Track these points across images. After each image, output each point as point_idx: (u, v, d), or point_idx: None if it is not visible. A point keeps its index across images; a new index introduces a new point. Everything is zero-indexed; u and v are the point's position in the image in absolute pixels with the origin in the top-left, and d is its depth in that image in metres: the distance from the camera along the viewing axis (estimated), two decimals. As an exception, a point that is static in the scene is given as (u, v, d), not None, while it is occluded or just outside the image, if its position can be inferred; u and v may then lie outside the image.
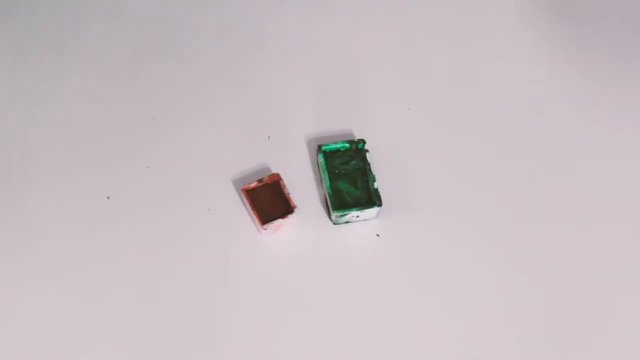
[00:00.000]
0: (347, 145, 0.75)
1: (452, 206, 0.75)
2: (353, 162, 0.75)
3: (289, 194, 0.72)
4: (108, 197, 0.76)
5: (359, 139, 0.75)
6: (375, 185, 0.72)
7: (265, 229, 0.71)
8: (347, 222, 0.74)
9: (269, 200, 0.72)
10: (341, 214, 0.71)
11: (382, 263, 0.72)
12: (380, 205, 0.71)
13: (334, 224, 0.74)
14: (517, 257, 0.72)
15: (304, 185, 0.76)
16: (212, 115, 0.81)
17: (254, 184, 0.73)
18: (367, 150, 0.75)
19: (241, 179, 0.77)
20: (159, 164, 0.78)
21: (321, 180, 0.76)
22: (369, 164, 0.74)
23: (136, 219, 0.74)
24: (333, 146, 0.75)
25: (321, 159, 0.74)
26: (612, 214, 0.75)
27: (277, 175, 0.73)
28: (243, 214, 0.75)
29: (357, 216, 0.72)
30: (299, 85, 0.83)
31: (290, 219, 0.71)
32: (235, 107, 0.82)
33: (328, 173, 0.74)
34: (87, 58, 0.85)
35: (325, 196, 0.75)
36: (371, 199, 0.72)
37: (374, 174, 0.73)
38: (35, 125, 0.80)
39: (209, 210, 0.75)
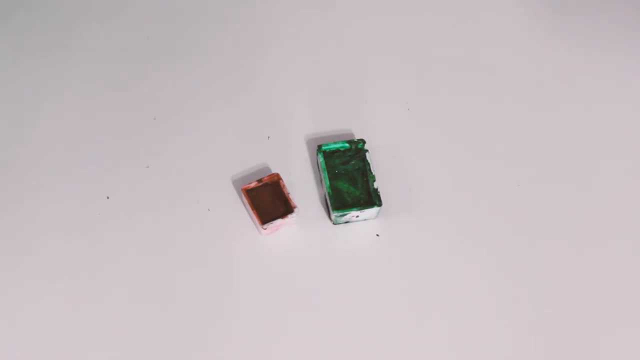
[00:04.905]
0: (347, 145, 0.75)
1: (452, 206, 0.75)
2: (353, 162, 0.75)
3: (289, 194, 0.72)
4: (108, 197, 0.76)
5: (359, 139, 0.75)
6: (375, 185, 0.72)
7: (265, 229, 0.71)
8: (347, 222, 0.74)
9: (269, 200, 0.72)
10: (341, 214, 0.71)
11: (382, 263, 0.72)
12: (380, 205, 0.71)
13: (334, 224, 0.74)
14: (517, 257, 0.72)
15: (304, 185, 0.76)
16: (212, 115, 0.81)
17: (254, 184, 0.73)
18: (366, 150, 0.75)
19: (241, 179, 0.77)
20: (159, 164, 0.78)
21: (321, 180, 0.76)
22: (368, 164, 0.74)
23: (136, 219, 0.74)
24: (333, 146, 0.75)
25: (321, 159, 0.74)
26: (612, 215, 0.75)
27: (277, 175, 0.73)
28: (243, 214, 0.75)
29: (357, 216, 0.72)
30: (299, 85, 0.83)
31: (290, 219, 0.71)
32: (235, 107, 0.82)
33: (328, 173, 0.74)
34: (87, 58, 0.85)
35: (325, 196, 0.75)
36: (371, 199, 0.72)
37: (373, 174, 0.73)
38: (35, 125, 0.80)
39: (209, 210, 0.75)
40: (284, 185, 0.72)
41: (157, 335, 0.68)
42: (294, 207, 0.71)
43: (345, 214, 0.71)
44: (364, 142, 0.75)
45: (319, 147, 0.74)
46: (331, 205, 0.72)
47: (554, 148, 0.79)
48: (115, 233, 0.73)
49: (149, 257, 0.72)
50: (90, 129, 0.80)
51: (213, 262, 0.72)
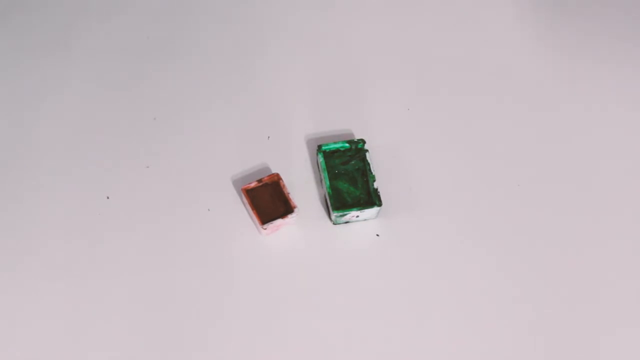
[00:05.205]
0: (347, 145, 0.75)
1: (452, 206, 0.75)
2: (353, 162, 0.75)
3: (289, 194, 0.72)
4: (108, 197, 0.76)
5: (359, 139, 0.75)
6: (375, 185, 0.72)
7: (265, 229, 0.71)
8: (347, 222, 0.74)
9: (269, 200, 0.72)
10: (341, 214, 0.71)
11: (382, 263, 0.72)
12: (380, 205, 0.71)
13: (334, 224, 0.74)
14: (517, 257, 0.72)
15: (304, 185, 0.76)
16: (212, 115, 0.81)
17: (254, 184, 0.73)
18: (366, 150, 0.75)
19: (241, 179, 0.77)
20: (159, 164, 0.78)
21: (321, 180, 0.76)
22: (368, 164, 0.74)
23: (136, 219, 0.74)
24: (333, 146, 0.75)
25: (321, 159, 0.74)
26: (612, 215, 0.75)
27: (277, 175, 0.73)
28: (243, 214, 0.75)
29: (357, 216, 0.72)
30: (299, 85, 0.83)
31: (290, 219, 0.71)
32: (235, 107, 0.82)
33: (328, 173, 0.74)
34: (87, 58, 0.85)
35: (325, 196, 0.75)
36: (371, 199, 0.72)
37: (373, 174, 0.73)
38: (35, 125, 0.80)
39: (209, 210, 0.75)
40: (284, 185, 0.72)
41: (157, 335, 0.68)
42: (294, 207, 0.71)
43: (345, 214, 0.71)
44: (364, 142, 0.75)
45: (319, 147, 0.74)
46: (331, 205, 0.72)
47: (554, 148, 0.79)
48: (115, 233, 0.73)
49: (149, 257, 0.72)
50: (90, 129, 0.80)
51: (213, 262, 0.72)
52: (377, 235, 0.74)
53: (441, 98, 0.82)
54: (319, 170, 0.76)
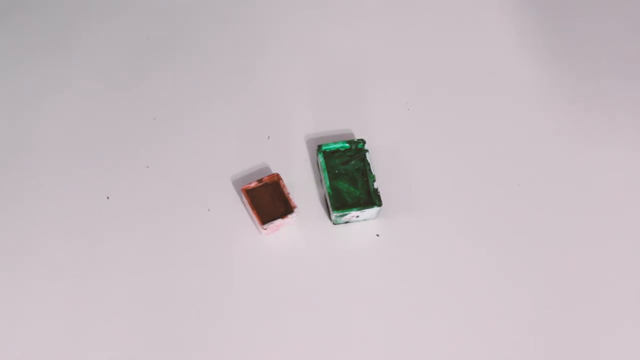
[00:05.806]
0: (347, 145, 0.75)
1: (452, 206, 0.75)
2: (353, 162, 0.75)
3: (289, 194, 0.72)
4: (108, 197, 0.76)
5: (359, 139, 0.75)
6: (375, 185, 0.72)
7: (265, 229, 0.71)
8: (347, 222, 0.74)
9: (269, 200, 0.72)
10: (341, 214, 0.71)
11: (382, 263, 0.72)
12: (380, 205, 0.71)
13: (334, 224, 0.74)
14: (517, 257, 0.72)
15: (304, 185, 0.76)
16: (212, 115, 0.81)
17: (254, 184, 0.73)
18: (366, 150, 0.75)
19: (241, 179, 0.77)
20: (159, 164, 0.78)
21: (321, 180, 0.76)
22: (368, 164, 0.74)
23: (136, 219, 0.74)
24: (333, 146, 0.75)
25: (321, 159, 0.74)
26: (612, 215, 0.75)
27: (277, 175, 0.73)
28: (243, 214, 0.75)
29: (357, 216, 0.72)
30: (299, 86, 0.83)
31: (290, 219, 0.71)
32: (235, 107, 0.82)
33: (328, 173, 0.74)
34: (87, 58, 0.85)
35: (325, 196, 0.75)
36: (371, 199, 0.72)
37: (373, 174, 0.73)
38: (35, 125, 0.80)
39: (209, 210, 0.75)
40: (284, 185, 0.72)
41: (157, 335, 0.68)
42: (294, 207, 0.71)
43: (345, 214, 0.71)
44: (364, 142, 0.75)
45: (319, 147, 0.74)
46: (331, 205, 0.72)
47: (554, 148, 0.79)
48: (115, 233, 0.73)
49: (149, 257, 0.72)
50: (90, 129, 0.80)
51: (213, 262, 0.72)
52: (377, 235, 0.74)
53: (441, 98, 0.82)
54: (319, 170, 0.76)
